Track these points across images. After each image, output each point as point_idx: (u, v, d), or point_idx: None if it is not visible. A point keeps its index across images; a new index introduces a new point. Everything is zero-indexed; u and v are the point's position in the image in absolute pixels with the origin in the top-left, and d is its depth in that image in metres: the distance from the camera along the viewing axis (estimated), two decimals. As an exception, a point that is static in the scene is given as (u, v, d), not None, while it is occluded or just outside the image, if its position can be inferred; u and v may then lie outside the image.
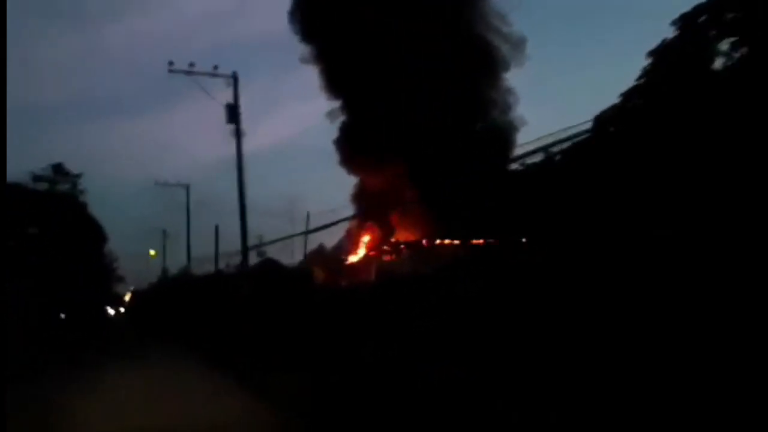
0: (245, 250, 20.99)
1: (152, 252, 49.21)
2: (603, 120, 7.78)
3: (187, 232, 37.09)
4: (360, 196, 22.16)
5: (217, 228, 28.67)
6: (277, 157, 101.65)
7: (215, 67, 20.34)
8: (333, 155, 22.18)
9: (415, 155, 18.16)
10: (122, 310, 69.15)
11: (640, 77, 6.92)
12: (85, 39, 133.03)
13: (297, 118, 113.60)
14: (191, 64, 20.34)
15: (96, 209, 39.24)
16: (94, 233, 38.09)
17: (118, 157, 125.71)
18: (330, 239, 25.12)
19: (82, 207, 37.38)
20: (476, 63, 19.65)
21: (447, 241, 17.43)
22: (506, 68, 20.62)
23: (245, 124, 21.18)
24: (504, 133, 19.70)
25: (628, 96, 7.52)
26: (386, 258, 19.47)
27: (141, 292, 54.62)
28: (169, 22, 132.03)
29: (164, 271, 51.54)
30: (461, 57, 19.16)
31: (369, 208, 20.89)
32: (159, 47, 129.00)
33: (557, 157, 21.57)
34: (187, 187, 37.70)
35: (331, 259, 21.94)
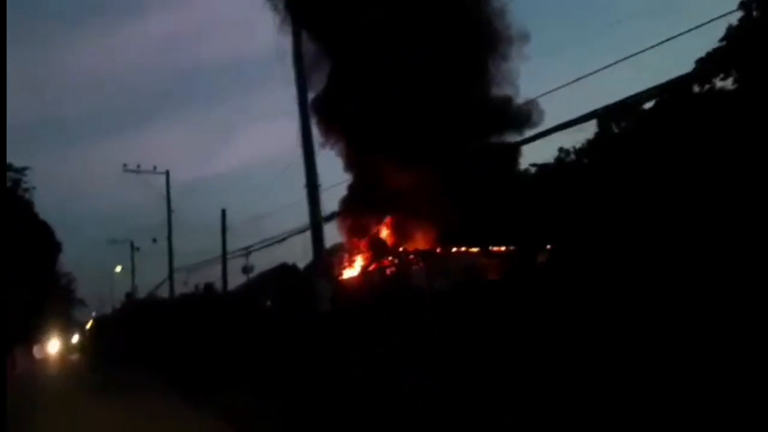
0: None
1: (118, 268, 46.00)
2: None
3: (168, 232, 31.66)
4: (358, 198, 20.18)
5: (224, 213, 25.93)
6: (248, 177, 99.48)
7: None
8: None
9: (425, 147, 16.48)
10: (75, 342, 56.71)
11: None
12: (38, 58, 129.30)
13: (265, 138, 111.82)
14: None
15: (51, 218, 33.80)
16: (41, 239, 29.82)
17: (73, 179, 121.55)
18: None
19: (27, 205, 29.94)
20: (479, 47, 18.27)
21: (464, 249, 16.01)
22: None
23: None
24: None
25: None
26: (389, 271, 17.85)
27: (105, 320, 48.73)
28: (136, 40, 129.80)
29: (129, 295, 48.33)
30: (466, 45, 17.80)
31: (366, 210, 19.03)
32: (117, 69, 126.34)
33: (570, 157, 19.33)
34: (167, 173, 31.76)
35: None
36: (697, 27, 7.20)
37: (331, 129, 19.13)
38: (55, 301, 37.71)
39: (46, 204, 41.84)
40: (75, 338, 53.21)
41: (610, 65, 8.19)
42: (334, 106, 18.50)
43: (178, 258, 31.24)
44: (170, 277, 30.82)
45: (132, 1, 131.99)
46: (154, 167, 30.07)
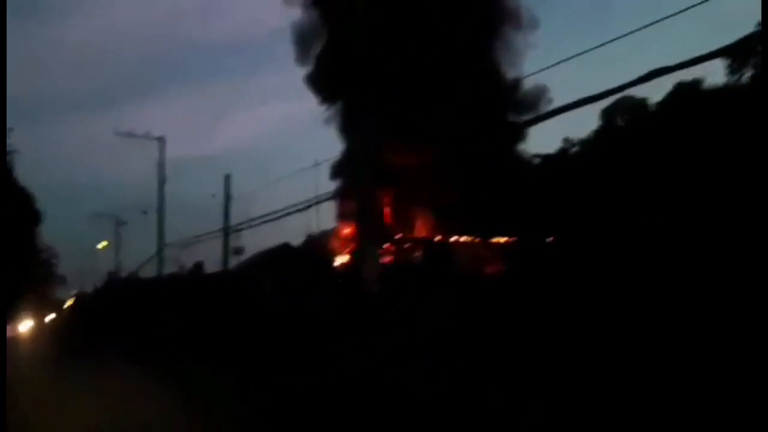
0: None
1: (102, 244, 44.33)
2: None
3: (160, 203, 28.08)
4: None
5: (227, 179, 21.67)
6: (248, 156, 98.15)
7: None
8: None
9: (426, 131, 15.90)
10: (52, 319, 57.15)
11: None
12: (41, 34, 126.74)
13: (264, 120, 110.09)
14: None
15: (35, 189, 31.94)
16: (19, 207, 27.63)
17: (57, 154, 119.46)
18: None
19: (5, 169, 27.67)
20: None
21: (464, 238, 15.62)
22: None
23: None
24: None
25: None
26: (385, 259, 17.38)
27: (85, 299, 47.89)
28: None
29: (111, 273, 47.18)
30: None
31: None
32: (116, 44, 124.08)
33: (574, 149, 18.93)
34: (161, 140, 28.67)
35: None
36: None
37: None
38: (33, 276, 35.20)
39: (29, 173, 40.17)
40: (49, 317, 47.56)
41: (608, 41, 7.83)
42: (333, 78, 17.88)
43: (169, 235, 28.32)
44: (159, 253, 27.76)
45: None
46: (148, 132, 27.95)
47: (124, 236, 42.96)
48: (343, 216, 19.37)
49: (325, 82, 18.67)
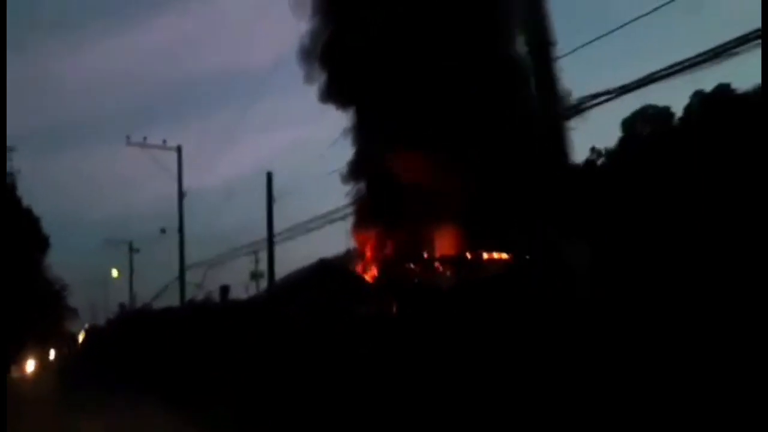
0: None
1: (115, 273, 43.15)
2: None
3: (180, 221, 25.50)
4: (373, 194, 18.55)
5: (270, 176, 18.92)
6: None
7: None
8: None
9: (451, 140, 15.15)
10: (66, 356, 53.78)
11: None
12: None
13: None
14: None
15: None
16: (23, 231, 25.30)
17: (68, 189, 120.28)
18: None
19: (7, 187, 25.69)
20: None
21: (497, 255, 14.94)
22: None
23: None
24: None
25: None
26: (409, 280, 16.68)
27: (97, 333, 47.05)
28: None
29: (122, 306, 46.47)
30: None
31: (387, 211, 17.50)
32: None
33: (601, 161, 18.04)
34: (179, 149, 26.28)
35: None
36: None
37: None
38: (41, 308, 32.44)
39: (37, 201, 39.24)
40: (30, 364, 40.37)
41: (603, 36, 7.34)
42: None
43: (188, 262, 26.00)
44: (181, 276, 24.95)
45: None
46: (164, 141, 25.71)
47: (139, 264, 42.12)
48: (361, 222, 18.38)
49: (339, 88, 18.15)
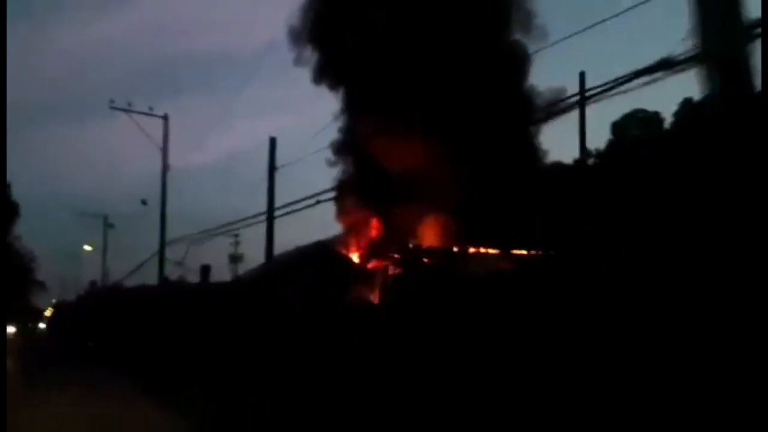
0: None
1: (88, 248, 42.25)
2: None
3: (162, 193, 24.34)
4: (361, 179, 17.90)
5: (273, 141, 17.79)
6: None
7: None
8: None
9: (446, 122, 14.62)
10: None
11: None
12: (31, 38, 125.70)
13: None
14: (129, 104, 23.89)
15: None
16: None
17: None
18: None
19: None
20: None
21: (483, 250, 14.61)
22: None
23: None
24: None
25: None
26: (392, 271, 16.33)
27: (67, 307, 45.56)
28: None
29: (93, 283, 45.56)
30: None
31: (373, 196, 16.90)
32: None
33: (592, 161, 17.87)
34: (165, 117, 24.68)
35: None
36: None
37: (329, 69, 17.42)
38: (8, 279, 31.68)
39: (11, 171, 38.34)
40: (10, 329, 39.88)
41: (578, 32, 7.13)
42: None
43: (169, 235, 24.67)
44: (161, 252, 23.93)
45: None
46: (150, 108, 24.07)
47: (116, 241, 41.02)
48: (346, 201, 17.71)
49: (331, 67, 17.59)
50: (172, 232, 23.46)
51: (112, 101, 23.53)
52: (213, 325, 12.22)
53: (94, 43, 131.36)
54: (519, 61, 16.91)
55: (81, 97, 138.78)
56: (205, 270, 21.95)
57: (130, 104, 23.57)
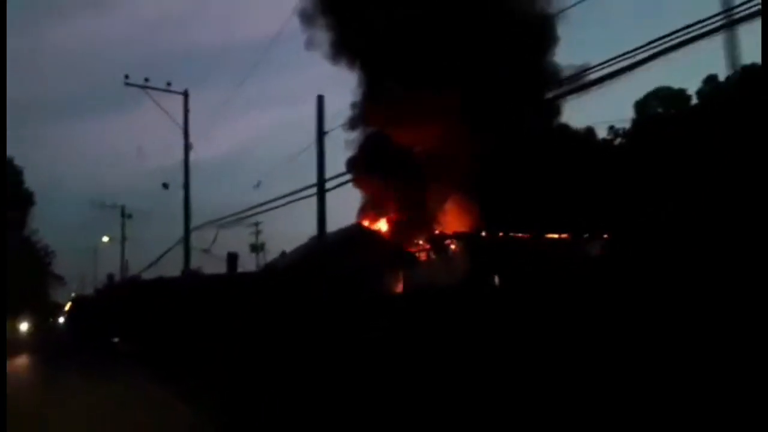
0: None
1: (105, 239, 41.62)
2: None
3: (185, 175, 22.57)
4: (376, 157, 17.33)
5: (320, 100, 15.24)
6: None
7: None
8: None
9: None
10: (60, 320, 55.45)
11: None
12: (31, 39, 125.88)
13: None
14: (146, 79, 22.09)
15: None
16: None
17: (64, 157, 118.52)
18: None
19: None
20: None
21: (513, 234, 14.45)
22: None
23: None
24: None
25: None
26: (421, 256, 16.17)
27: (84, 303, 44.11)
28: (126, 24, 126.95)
29: (111, 277, 45.62)
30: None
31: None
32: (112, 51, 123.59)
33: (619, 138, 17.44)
34: (185, 94, 22.94)
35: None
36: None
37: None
38: (23, 272, 30.06)
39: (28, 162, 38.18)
40: (24, 325, 38.02)
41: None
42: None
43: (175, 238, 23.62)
44: (186, 238, 22.15)
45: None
46: (168, 83, 22.25)
47: (135, 233, 40.17)
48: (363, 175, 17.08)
49: (348, 42, 17.23)
50: (193, 223, 22.63)
51: (126, 77, 21.85)
52: (253, 320, 11.84)
53: (106, 38, 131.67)
54: (546, 36, 16.56)
55: (96, 89, 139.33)
56: (233, 258, 21.10)
57: (147, 79, 21.87)
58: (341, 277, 10.66)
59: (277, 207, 14.86)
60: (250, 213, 17.33)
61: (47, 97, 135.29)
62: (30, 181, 35.39)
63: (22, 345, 25.28)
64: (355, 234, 16.64)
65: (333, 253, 13.56)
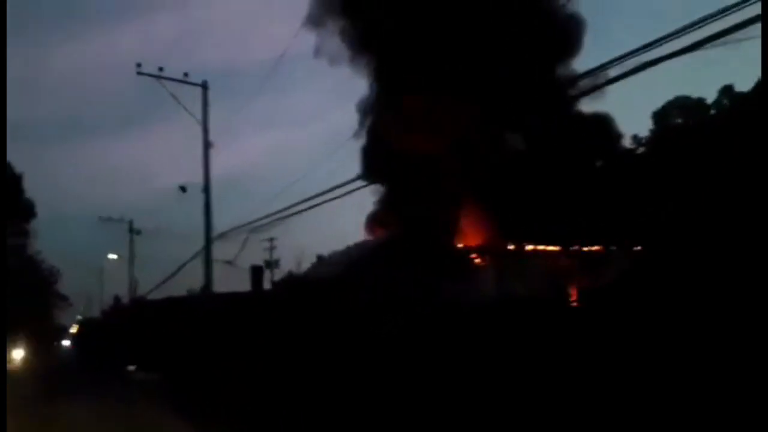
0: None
1: (113, 256, 40.93)
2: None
3: (205, 176, 20.55)
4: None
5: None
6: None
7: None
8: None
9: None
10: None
11: None
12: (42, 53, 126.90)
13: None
14: (160, 68, 20.20)
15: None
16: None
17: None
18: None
19: None
20: None
21: (541, 247, 14.19)
22: None
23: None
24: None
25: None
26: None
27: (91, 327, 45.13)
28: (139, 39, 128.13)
29: (117, 298, 45.20)
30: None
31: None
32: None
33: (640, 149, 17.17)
34: (204, 86, 20.83)
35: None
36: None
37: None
38: (24, 291, 27.77)
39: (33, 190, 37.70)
40: (17, 353, 32.69)
41: None
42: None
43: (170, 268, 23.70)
44: (207, 246, 19.93)
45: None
46: (185, 74, 20.28)
47: (143, 250, 38.98)
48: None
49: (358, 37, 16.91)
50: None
51: (138, 65, 19.80)
52: (285, 345, 11.18)
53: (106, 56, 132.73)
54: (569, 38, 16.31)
55: (99, 114, 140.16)
56: (257, 272, 19.57)
57: (161, 69, 19.96)
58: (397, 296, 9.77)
59: (315, 205, 14.48)
60: (285, 214, 16.38)
61: (56, 117, 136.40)
62: (36, 198, 34.70)
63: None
64: (394, 242, 15.76)
65: (373, 263, 13.08)
